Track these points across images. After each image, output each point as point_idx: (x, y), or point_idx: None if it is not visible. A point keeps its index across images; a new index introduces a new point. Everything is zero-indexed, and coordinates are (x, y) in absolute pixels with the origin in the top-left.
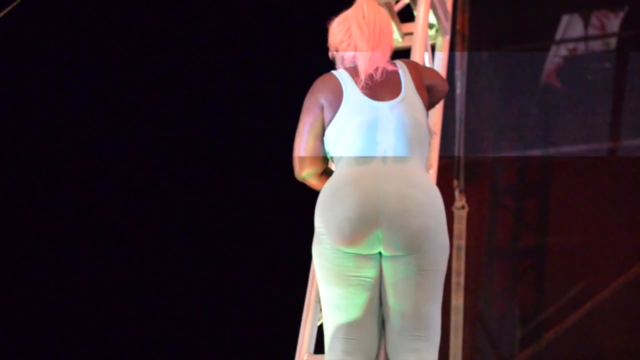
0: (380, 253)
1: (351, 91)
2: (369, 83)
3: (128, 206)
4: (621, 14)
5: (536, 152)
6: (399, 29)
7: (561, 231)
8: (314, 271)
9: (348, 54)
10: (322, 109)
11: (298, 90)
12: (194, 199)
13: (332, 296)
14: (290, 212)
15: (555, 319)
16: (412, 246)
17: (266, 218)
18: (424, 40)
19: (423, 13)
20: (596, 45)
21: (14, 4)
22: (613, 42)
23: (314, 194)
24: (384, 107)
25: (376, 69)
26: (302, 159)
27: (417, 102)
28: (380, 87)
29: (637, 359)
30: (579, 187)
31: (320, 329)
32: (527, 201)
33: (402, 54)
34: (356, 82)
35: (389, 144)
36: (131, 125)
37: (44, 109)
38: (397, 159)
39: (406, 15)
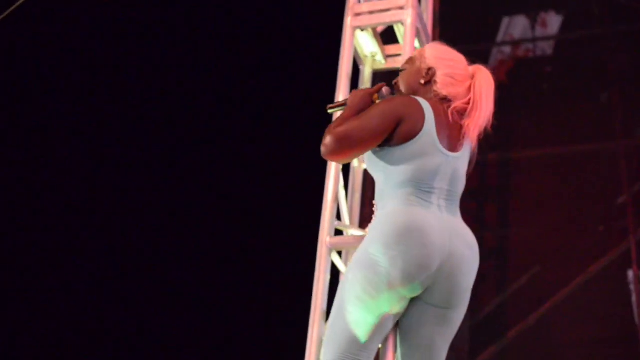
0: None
1: (429, 129)
2: (444, 124)
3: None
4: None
5: (494, 156)
6: (382, 52)
7: (522, 233)
8: (319, 282)
9: (446, 84)
10: (397, 125)
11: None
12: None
13: (359, 320)
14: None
15: (517, 319)
16: (453, 302)
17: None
18: None
19: (410, 39)
20: (543, 47)
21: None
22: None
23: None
24: (447, 158)
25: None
26: (349, 147)
27: (467, 158)
28: (450, 131)
29: (596, 347)
30: (537, 189)
31: None
32: (489, 204)
33: (385, 74)
34: (435, 120)
35: (441, 193)
36: (136, 128)
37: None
38: (449, 210)
39: (388, 38)
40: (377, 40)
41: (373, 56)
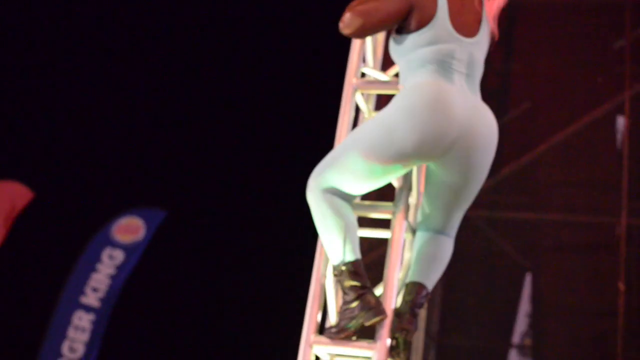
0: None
1: (442, 15)
2: (459, 11)
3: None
4: None
5: None
6: None
7: (523, 74)
8: (343, 119)
9: None
10: (409, 11)
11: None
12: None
13: (357, 167)
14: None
15: (510, 156)
16: (469, 176)
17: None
18: None
19: None
20: None
21: None
22: None
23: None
24: (462, 43)
25: None
26: (363, 24)
27: (486, 43)
28: (465, 16)
29: (581, 189)
30: (543, 34)
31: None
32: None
33: None
34: (449, 7)
35: (461, 76)
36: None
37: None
38: (471, 90)
39: None
40: None
41: None
